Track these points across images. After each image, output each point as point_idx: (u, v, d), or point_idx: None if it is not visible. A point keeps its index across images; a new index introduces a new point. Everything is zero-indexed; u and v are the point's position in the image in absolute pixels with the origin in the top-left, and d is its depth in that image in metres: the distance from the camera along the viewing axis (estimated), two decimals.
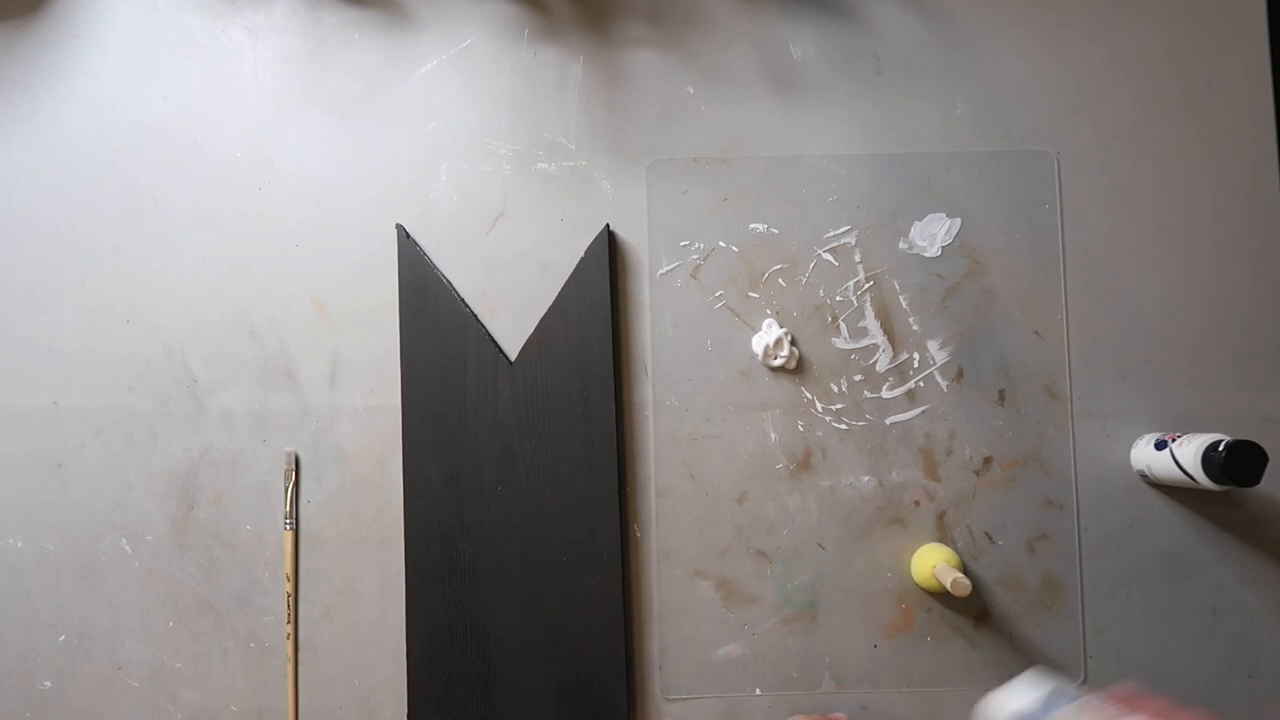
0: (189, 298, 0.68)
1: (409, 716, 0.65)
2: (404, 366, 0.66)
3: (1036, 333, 0.67)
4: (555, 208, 0.68)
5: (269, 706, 0.66)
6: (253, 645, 0.66)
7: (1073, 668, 0.65)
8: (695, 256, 0.67)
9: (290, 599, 0.66)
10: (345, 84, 0.69)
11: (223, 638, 0.67)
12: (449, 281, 0.67)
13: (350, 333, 0.68)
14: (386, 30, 0.69)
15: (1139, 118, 0.68)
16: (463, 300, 0.67)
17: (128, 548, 0.67)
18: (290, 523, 0.66)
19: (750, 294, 0.67)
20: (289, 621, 0.66)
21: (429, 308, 0.66)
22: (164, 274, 0.68)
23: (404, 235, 0.67)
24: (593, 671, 0.64)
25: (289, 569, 0.66)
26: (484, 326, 0.66)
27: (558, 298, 0.66)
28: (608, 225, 0.67)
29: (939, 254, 0.67)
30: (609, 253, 0.66)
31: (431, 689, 0.64)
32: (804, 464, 0.66)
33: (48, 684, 0.66)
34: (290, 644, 0.66)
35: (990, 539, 0.66)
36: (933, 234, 0.67)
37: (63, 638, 0.67)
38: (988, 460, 0.66)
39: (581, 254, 0.67)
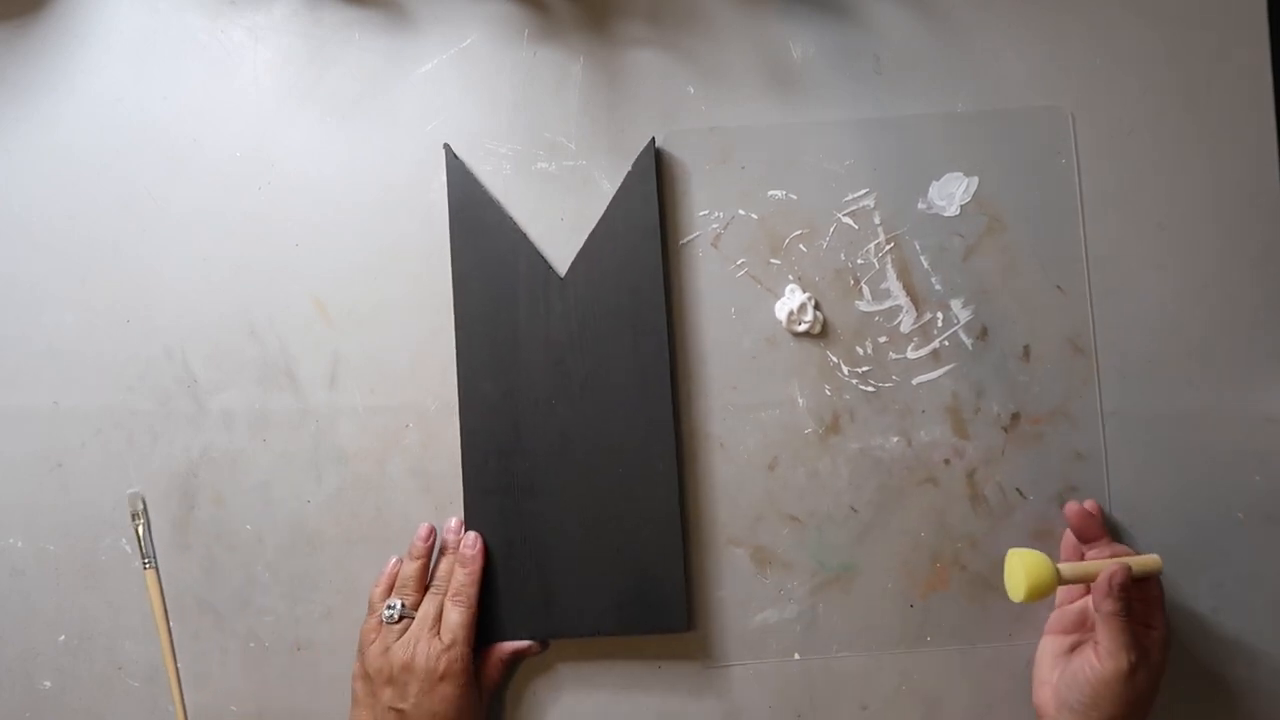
0: (189, 297, 0.68)
1: None
2: (455, 283, 0.66)
3: (1058, 287, 0.66)
4: (555, 207, 0.68)
5: (269, 706, 0.66)
6: (252, 645, 0.66)
7: None
8: (715, 225, 0.67)
9: (167, 639, 0.66)
10: (345, 84, 0.69)
11: (223, 638, 0.67)
12: (497, 200, 0.67)
13: (350, 332, 0.68)
14: (386, 30, 0.69)
15: (1139, 118, 0.68)
16: (513, 221, 0.67)
17: (128, 548, 0.67)
18: (150, 561, 0.66)
19: (772, 260, 0.67)
20: (170, 658, 0.66)
21: (480, 224, 0.67)
22: (164, 274, 0.68)
23: (451, 155, 0.67)
24: (651, 581, 0.65)
25: (158, 610, 0.66)
26: (534, 244, 0.67)
27: (605, 213, 0.67)
28: (653, 139, 0.67)
29: (958, 213, 0.67)
30: (656, 168, 0.67)
31: (493, 603, 0.65)
32: (832, 428, 0.67)
33: (48, 684, 0.66)
34: (174, 682, 0.66)
35: (1021, 494, 0.66)
36: (951, 193, 0.67)
37: (63, 638, 0.67)
38: (1015, 416, 0.66)
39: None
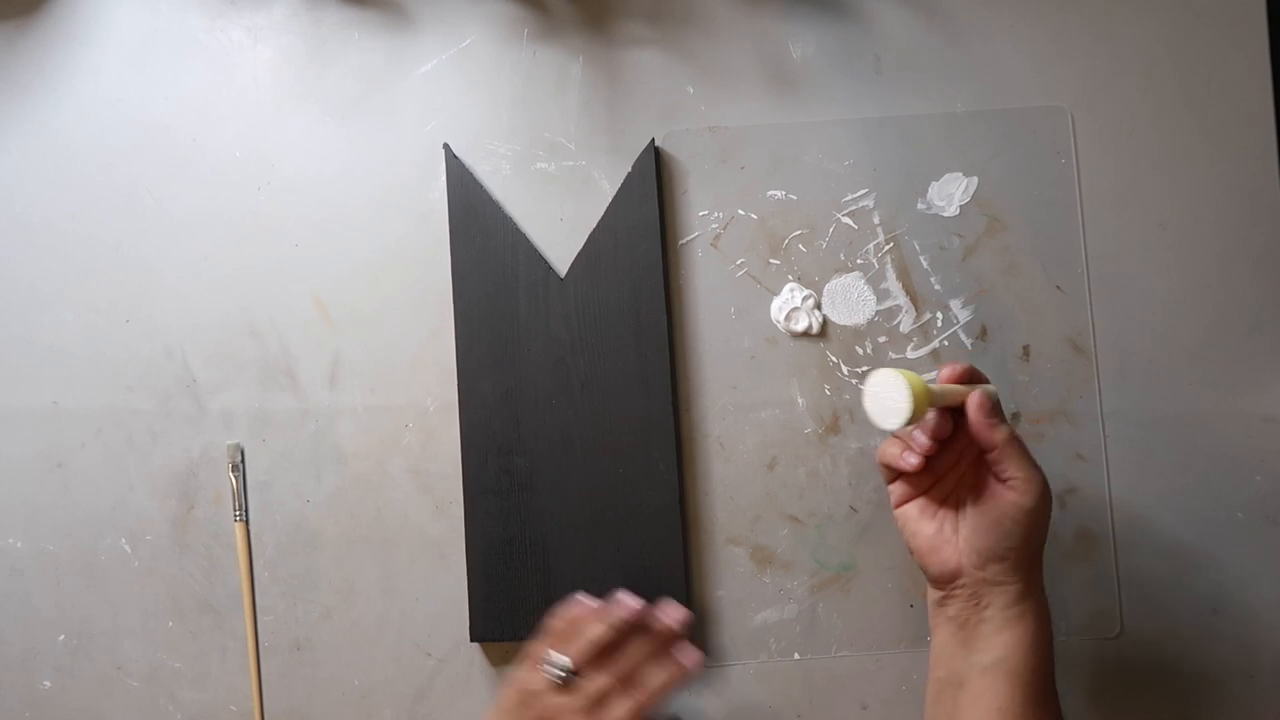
0: (189, 298, 0.68)
1: (470, 630, 0.65)
2: (455, 282, 0.66)
3: (1058, 287, 0.66)
4: (555, 207, 0.68)
5: (269, 706, 0.66)
6: None
7: (1108, 618, 0.65)
8: (715, 226, 0.67)
9: (249, 595, 0.66)
10: (345, 84, 0.69)
11: (223, 638, 0.67)
12: (497, 200, 0.67)
13: (350, 333, 0.68)
14: (386, 30, 0.69)
15: (1139, 118, 0.68)
16: (512, 219, 0.67)
17: (128, 548, 0.67)
18: (240, 515, 0.67)
19: (771, 260, 0.67)
20: (250, 617, 0.66)
21: (479, 224, 0.67)
22: (164, 274, 0.68)
23: (451, 155, 0.68)
24: (651, 580, 0.65)
25: (244, 565, 0.66)
26: (533, 244, 0.67)
27: (605, 214, 0.67)
28: (653, 140, 0.67)
29: (957, 213, 0.67)
30: (656, 168, 0.67)
31: (492, 603, 0.65)
32: (832, 427, 0.67)
33: (48, 684, 0.66)
34: (251, 641, 0.66)
35: None
36: (950, 193, 0.67)
37: (63, 638, 0.67)
38: (1015, 416, 0.67)
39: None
